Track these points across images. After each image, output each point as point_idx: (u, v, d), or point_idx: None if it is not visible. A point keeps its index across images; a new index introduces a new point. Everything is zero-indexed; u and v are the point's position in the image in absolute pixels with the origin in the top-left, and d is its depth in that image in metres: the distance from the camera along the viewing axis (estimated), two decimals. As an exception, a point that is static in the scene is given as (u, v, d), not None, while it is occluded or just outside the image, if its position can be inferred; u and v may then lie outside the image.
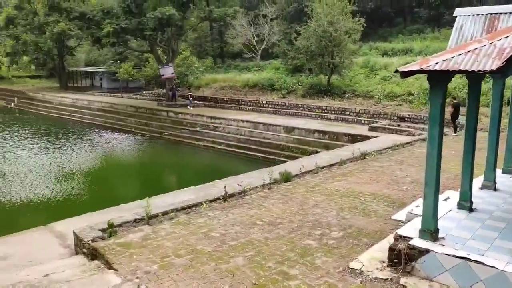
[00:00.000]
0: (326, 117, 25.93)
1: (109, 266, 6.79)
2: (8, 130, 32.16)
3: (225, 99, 33.45)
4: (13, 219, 14.44)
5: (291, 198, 10.23)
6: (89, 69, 55.35)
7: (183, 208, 9.53)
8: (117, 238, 7.79)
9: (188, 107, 31.87)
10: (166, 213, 9.11)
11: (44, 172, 19.74)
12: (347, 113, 25.55)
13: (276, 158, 21.84)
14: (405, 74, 5.78)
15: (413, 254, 6.17)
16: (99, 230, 8.13)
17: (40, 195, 16.44)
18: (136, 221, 8.69)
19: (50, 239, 9.20)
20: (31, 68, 62.21)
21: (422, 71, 5.66)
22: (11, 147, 26.02)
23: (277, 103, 29.83)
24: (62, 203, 15.67)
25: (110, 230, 8.03)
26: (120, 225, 8.40)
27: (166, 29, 32.52)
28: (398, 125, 22.12)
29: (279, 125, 24.15)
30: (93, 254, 7.42)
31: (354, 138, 20.49)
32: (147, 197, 9.39)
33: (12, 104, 46.52)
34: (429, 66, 5.58)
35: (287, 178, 11.80)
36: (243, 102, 31.92)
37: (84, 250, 7.70)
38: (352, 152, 15.00)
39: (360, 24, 28.53)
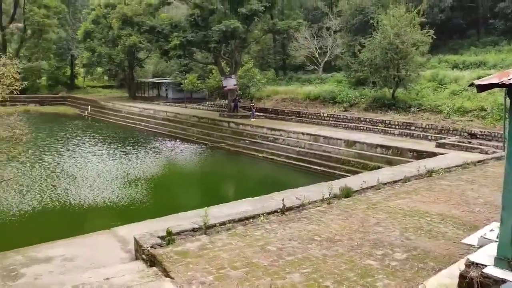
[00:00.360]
0: (389, 131, 25.03)
1: (166, 274, 6.85)
2: (81, 136, 34.23)
3: (285, 111, 33.42)
4: (81, 221, 15.20)
5: (351, 214, 9.86)
6: (156, 80, 57.81)
7: (240, 220, 9.47)
8: (175, 246, 7.87)
9: (251, 118, 32.15)
10: (223, 223, 9.10)
11: (111, 177, 20.68)
12: (413, 128, 24.49)
13: (336, 172, 21.34)
14: (482, 88, 5.34)
15: (487, 284, 5.63)
16: (158, 237, 8.27)
17: (106, 199, 17.21)
18: (194, 230, 8.75)
19: (113, 243, 9.50)
20: (104, 79, 66.24)
21: (501, 85, 5.19)
22: (82, 152, 27.62)
23: (338, 116, 29.30)
24: (126, 208, 16.28)
25: (169, 237, 8.13)
26: (178, 233, 8.49)
27: (230, 42, 33.21)
28: (469, 142, 20.80)
29: (340, 139, 23.63)
30: (152, 261, 7.54)
31: (420, 155, 19.55)
32: (205, 207, 9.45)
33: (86, 112, 49.55)
34: (510, 79, 5.11)
35: (347, 193, 11.42)
36: (303, 115, 31.70)
37: (144, 256, 7.85)
38: (418, 169, 14.25)
39: (429, 36, 27.37)
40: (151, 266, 7.48)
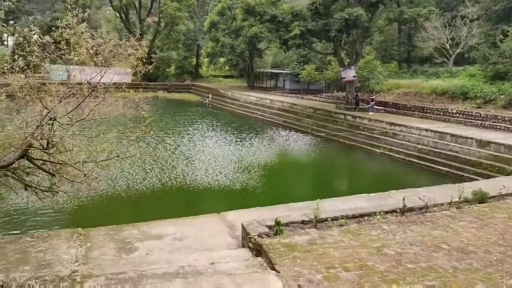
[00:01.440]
0: (534, 133, 21.67)
1: (272, 266, 6.43)
2: (200, 122, 35.93)
3: (408, 105, 31.06)
4: (193, 202, 15.72)
5: (488, 223, 8.43)
6: (274, 71, 58.44)
7: (354, 216, 8.73)
8: (283, 238, 7.42)
9: (369, 112, 30.53)
10: (335, 218, 8.44)
11: (225, 162, 21.14)
12: None
13: (464, 174, 19.13)
14: None
15: None
16: (266, 226, 7.94)
17: (219, 182, 17.57)
18: (303, 222, 8.27)
19: (221, 228, 9.46)
20: (225, 68, 69.04)
21: None
22: (201, 136, 28.89)
23: (469, 113, 26.26)
24: (236, 193, 16.42)
25: (277, 228, 7.74)
26: (286, 224, 8.07)
27: (351, 31, 31.77)
28: None
29: (471, 138, 21.07)
30: (258, 250, 7.21)
31: None
32: (318, 199, 8.86)
33: (207, 100, 52.06)
34: None
35: (482, 198, 9.88)
36: (428, 110, 29.10)
37: (250, 244, 7.57)
38: None
39: None
40: (256, 255, 7.15)
